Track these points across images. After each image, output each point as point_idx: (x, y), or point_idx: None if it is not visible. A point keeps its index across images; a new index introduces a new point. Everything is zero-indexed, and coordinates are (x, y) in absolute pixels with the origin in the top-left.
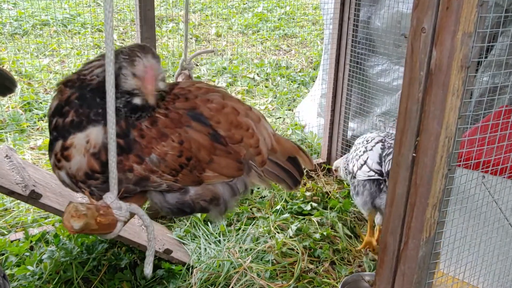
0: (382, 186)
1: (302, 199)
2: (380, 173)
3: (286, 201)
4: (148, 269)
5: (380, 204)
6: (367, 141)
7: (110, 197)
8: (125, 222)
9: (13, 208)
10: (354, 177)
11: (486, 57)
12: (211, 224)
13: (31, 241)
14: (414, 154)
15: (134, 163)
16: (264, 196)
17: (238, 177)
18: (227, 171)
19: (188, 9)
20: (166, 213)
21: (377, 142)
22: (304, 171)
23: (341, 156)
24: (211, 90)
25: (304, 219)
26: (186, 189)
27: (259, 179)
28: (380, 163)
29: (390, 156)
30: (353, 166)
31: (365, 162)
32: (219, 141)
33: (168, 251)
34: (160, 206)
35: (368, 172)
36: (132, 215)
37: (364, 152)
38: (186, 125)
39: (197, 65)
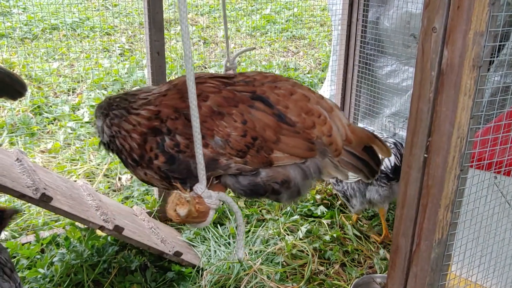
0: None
1: (312, 201)
2: None
3: (295, 203)
4: (240, 253)
5: (370, 196)
6: None
7: (200, 188)
8: (215, 210)
9: (24, 211)
10: (341, 182)
11: (497, 56)
12: (220, 226)
13: (42, 244)
14: (425, 155)
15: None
16: None
17: (310, 160)
18: (297, 151)
19: (225, 12)
20: (240, 195)
21: None
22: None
23: None
24: (279, 79)
25: (314, 221)
26: (258, 171)
27: (335, 169)
28: None
29: None
30: None
31: None
32: (284, 121)
33: (178, 254)
34: (233, 187)
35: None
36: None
37: None
38: (248, 105)
39: (205, 67)
